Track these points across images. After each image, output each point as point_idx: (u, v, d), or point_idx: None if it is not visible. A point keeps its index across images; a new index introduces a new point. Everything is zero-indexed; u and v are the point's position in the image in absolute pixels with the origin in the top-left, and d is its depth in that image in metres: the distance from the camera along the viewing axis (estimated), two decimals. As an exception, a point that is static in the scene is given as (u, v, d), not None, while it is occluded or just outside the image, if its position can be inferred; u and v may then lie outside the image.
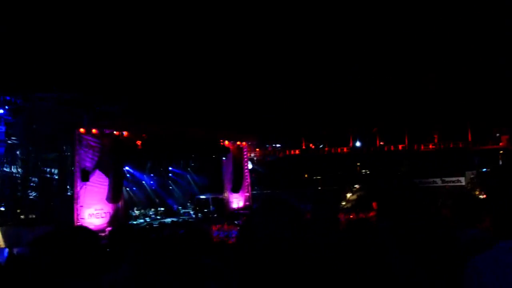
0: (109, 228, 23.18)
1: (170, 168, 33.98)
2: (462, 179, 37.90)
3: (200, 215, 31.58)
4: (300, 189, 38.63)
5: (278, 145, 55.31)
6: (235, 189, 34.07)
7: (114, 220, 24.75)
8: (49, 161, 25.43)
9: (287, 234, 2.21)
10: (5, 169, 27.72)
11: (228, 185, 33.99)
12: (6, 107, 39.65)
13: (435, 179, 37.37)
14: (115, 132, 25.36)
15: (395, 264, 1.70)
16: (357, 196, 39.40)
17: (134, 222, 27.17)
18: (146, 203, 31.43)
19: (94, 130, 24.39)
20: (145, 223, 26.76)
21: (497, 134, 46.39)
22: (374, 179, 43.53)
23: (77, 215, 23.25)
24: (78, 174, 23.58)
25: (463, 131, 47.13)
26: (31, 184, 25.83)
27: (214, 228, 23.80)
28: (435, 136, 48.92)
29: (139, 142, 26.43)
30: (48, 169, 25.31)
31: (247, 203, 35.05)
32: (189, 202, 33.81)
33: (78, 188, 23.56)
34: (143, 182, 32.21)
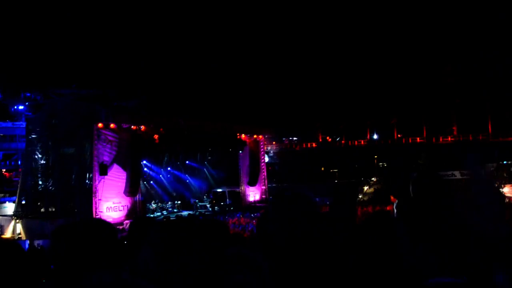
0: (127, 221, 23.46)
1: (187, 162, 34.15)
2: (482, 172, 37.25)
3: (216, 208, 31.74)
4: (317, 182, 38.50)
5: (294, 138, 55.20)
6: (252, 182, 34.14)
7: (132, 213, 25.03)
8: (68, 155, 25.77)
9: (304, 226, 2.21)
10: (26, 163, 28.22)
11: (244, 178, 34.08)
12: (27, 103, 40.40)
13: (454, 172, 36.78)
14: (132, 126, 25.56)
15: (406, 253, 1.68)
16: (374, 189, 39.14)
17: (152, 215, 27.41)
18: (163, 197, 31.69)
19: (112, 125, 24.61)
20: (162, 216, 26.98)
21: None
22: (391, 172, 43.13)
23: (96, 208, 23.56)
24: (96, 168, 23.86)
25: (483, 123, 46.34)
26: (51, 178, 26.25)
27: (231, 221, 23.91)
28: (454, 128, 48.22)
29: (156, 136, 26.60)
30: (67, 163, 25.66)
31: (263, 196, 35.10)
32: (205, 195, 33.99)
33: (97, 182, 23.86)
34: (160, 175, 32.47)
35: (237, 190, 34.19)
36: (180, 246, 1.28)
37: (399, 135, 50.40)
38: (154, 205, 29.68)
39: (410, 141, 48.78)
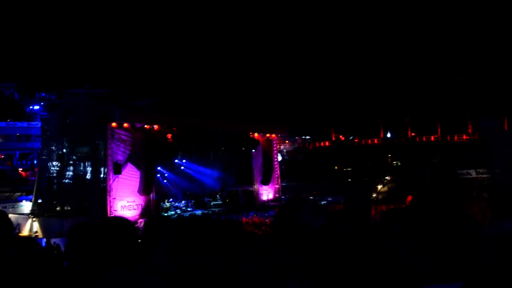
0: (141, 220, 23.62)
1: (200, 161, 34.24)
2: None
3: (230, 207, 31.78)
4: (331, 181, 38.34)
5: (307, 137, 55.04)
6: (265, 181, 34.13)
7: (146, 212, 25.20)
8: (82, 154, 26.06)
9: (317, 224, 2.25)
10: (41, 163, 28.59)
11: (257, 177, 34.08)
12: (42, 103, 40.98)
13: (469, 171, 36.33)
14: (146, 126, 25.74)
15: (401, 255, 1.67)
16: (388, 188, 38.89)
17: (165, 214, 27.57)
18: (177, 196, 31.82)
19: (125, 124, 24.81)
20: (175, 215, 27.10)
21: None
22: (406, 170, 42.75)
23: (110, 207, 23.78)
24: (110, 167, 24.08)
25: (499, 121, 45.68)
26: (66, 177, 26.56)
27: (244, 220, 23.95)
28: (469, 126, 47.64)
29: (169, 136, 26.75)
30: (82, 163, 25.94)
31: (276, 195, 35.06)
32: (219, 194, 34.03)
33: (111, 180, 24.07)
34: (174, 174, 32.59)
35: (250, 189, 34.20)
36: (194, 244, 1.29)
37: (413, 134, 49.95)
38: (167, 204, 29.82)
39: (424, 139, 48.32)
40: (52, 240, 19.49)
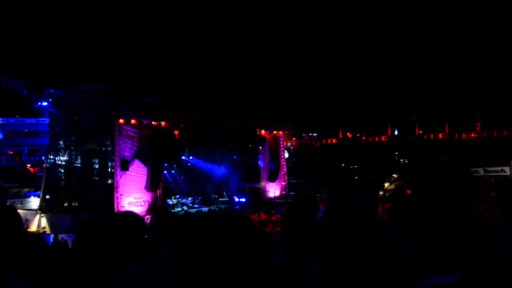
0: (148, 216, 23.71)
1: (207, 157, 34.31)
2: (507, 168, 36.38)
3: (236, 204, 31.87)
4: (337, 178, 38.21)
5: (314, 134, 54.93)
6: (272, 178, 34.15)
7: (153, 208, 25.30)
8: (90, 151, 26.21)
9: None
10: (49, 159, 28.79)
11: (264, 174, 34.11)
12: (50, 99, 41.19)
13: (477, 169, 36.06)
14: (153, 122, 25.82)
15: (397, 250, 1.66)
16: (395, 185, 38.76)
17: (172, 211, 27.66)
18: (184, 192, 31.94)
19: (133, 121, 24.90)
20: (182, 212, 27.19)
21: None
22: (413, 168, 42.59)
23: (117, 203, 23.91)
24: (118, 164, 24.20)
25: (508, 118, 45.28)
26: (74, 173, 26.74)
27: (251, 217, 23.97)
28: (478, 124, 47.27)
29: (176, 132, 26.82)
30: (89, 159, 26.09)
31: (283, 192, 35.06)
32: (225, 191, 34.11)
33: (118, 177, 24.20)
34: (181, 171, 32.71)
35: (257, 186, 34.23)
36: (202, 240, 1.30)
37: (420, 131, 49.65)
38: (174, 201, 29.94)
39: (432, 137, 48.02)
40: (60, 236, 19.65)
